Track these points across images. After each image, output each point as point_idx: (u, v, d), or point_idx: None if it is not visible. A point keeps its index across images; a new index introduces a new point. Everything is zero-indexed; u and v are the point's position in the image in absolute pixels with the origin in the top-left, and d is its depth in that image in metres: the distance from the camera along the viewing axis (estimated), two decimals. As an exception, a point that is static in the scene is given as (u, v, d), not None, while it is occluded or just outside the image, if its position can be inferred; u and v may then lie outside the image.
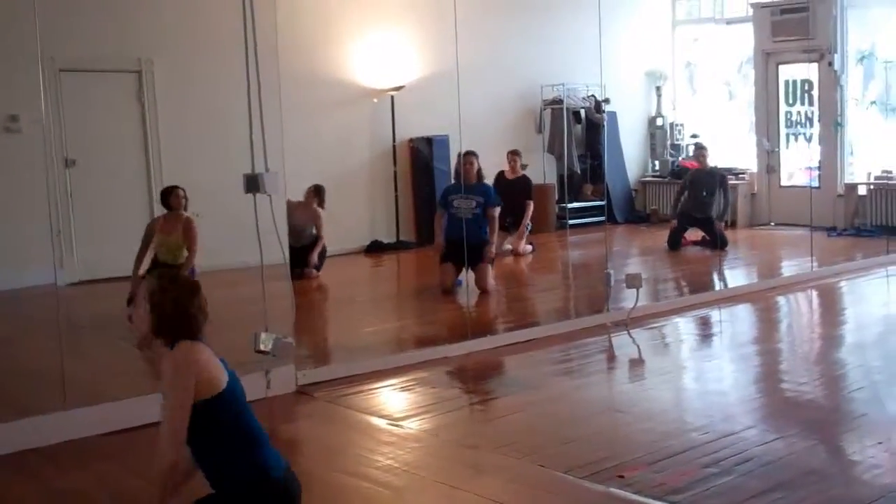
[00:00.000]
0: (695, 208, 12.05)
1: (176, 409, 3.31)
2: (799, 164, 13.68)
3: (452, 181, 10.09)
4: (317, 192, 10.68)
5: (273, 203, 6.05)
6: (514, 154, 12.18)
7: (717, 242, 11.51)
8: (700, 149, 12.70)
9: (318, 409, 5.97)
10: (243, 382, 5.45)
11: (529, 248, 11.89)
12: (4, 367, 6.93)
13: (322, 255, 10.67)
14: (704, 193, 12.06)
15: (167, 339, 3.47)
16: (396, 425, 5.56)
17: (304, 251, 10.21)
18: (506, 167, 12.11)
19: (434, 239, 10.00)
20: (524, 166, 12.34)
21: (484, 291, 9.20)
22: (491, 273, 9.37)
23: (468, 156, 9.53)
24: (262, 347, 5.87)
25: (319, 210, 10.64)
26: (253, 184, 6.01)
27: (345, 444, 5.36)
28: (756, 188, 14.27)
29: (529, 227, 11.98)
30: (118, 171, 10.25)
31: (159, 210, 9.07)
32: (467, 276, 9.17)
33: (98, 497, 4.65)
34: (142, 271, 8.63)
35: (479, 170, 9.68)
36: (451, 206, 9.53)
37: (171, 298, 3.47)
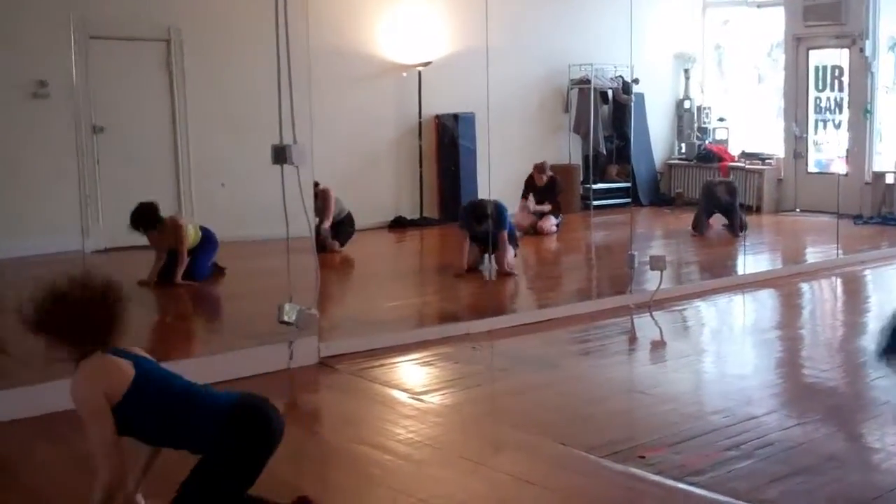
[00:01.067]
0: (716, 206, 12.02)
1: (96, 434, 3.42)
2: (836, 152, 13.49)
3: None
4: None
5: (300, 175, 6.07)
6: (540, 167, 12.12)
7: (737, 228, 11.52)
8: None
9: (339, 381, 6.00)
10: (266, 352, 5.54)
11: (554, 227, 11.88)
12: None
13: (349, 231, 10.68)
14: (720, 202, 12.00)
15: (73, 352, 3.48)
16: (418, 399, 5.58)
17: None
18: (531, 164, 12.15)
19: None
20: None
21: (501, 271, 9.17)
22: (511, 253, 9.32)
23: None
24: (285, 318, 5.92)
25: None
26: (281, 155, 6.03)
27: (366, 417, 5.39)
28: (783, 174, 14.19)
29: (559, 220, 11.99)
30: (145, 139, 10.26)
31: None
32: (490, 259, 9.18)
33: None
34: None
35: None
36: (473, 230, 9.42)
37: (67, 309, 3.41)
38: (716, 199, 11.88)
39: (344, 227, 10.71)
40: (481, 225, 9.15)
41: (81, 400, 3.44)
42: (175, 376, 3.65)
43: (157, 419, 3.50)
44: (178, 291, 8.53)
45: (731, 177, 12.83)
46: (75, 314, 3.41)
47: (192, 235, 8.64)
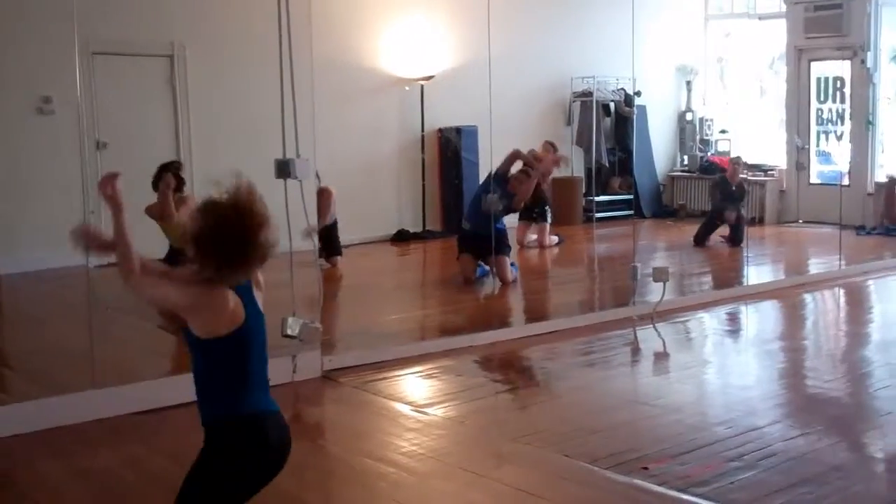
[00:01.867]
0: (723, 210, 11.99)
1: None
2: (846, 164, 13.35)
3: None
4: None
5: (303, 189, 6.09)
6: (550, 145, 12.00)
7: (736, 238, 11.52)
8: (735, 164, 12.41)
9: (343, 395, 6.01)
10: (269, 366, 5.43)
11: (556, 239, 11.89)
12: (36, 345, 7.02)
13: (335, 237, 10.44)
14: (730, 203, 11.96)
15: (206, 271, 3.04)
16: (421, 412, 5.59)
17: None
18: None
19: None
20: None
21: (504, 283, 9.20)
22: (510, 265, 9.33)
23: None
24: (289, 332, 5.92)
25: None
26: (284, 169, 6.06)
27: (370, 430, 5.40)
28: (785, 185, 14.20)
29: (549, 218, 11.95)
30: (148, 154, 10.26)
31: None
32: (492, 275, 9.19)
33: (125, 476, 4.71)
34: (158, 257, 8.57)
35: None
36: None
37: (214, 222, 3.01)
38: (729, 194, 11.87)
39: (332, 235, 10.24)
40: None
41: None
42: (262, 347, 3.27)
43: (209, 365, 3.16)
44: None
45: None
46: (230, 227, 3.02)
47: None
